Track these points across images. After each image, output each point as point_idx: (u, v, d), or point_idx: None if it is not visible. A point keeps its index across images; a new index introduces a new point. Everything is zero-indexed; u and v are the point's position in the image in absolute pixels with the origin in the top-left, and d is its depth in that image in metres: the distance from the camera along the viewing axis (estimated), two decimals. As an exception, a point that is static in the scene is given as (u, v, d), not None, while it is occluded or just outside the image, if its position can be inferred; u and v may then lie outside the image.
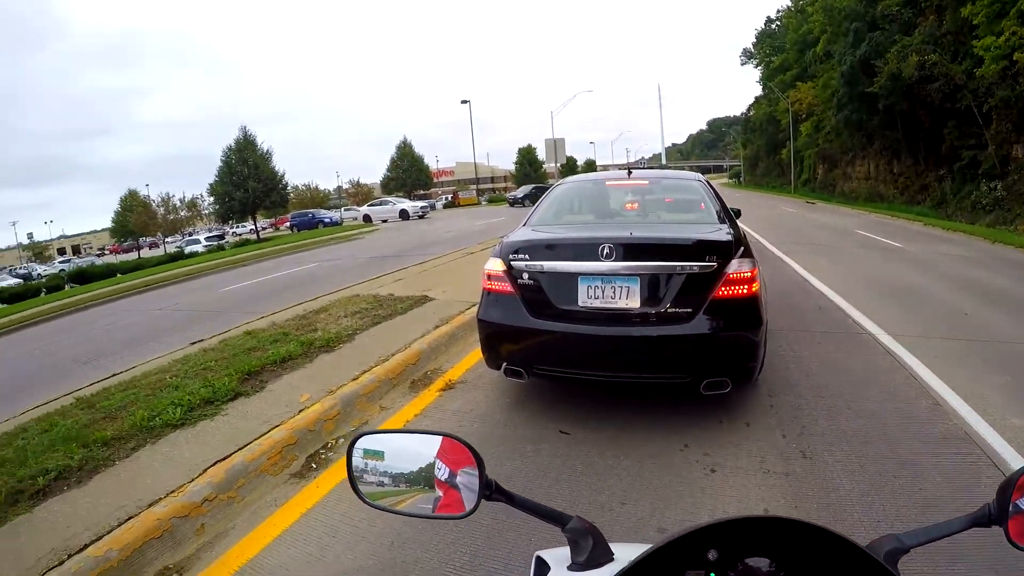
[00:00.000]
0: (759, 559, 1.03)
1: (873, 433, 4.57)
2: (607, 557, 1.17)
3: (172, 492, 3.88)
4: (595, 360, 4.70)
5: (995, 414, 4.85)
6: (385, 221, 45.31)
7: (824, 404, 5.14)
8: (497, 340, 5.08)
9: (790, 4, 66.57)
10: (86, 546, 3.39)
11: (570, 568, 1.18)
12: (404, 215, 45.75)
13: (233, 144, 46.82)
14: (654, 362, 4.59)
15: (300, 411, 5.10)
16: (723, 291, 4.45)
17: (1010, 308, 9.05)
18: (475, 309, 5.33)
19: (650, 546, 1.01)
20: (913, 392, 5.42)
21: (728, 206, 5.79)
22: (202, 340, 8.15)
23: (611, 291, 4.56)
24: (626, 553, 1.13)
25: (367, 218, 47.91)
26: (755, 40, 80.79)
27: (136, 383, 6.23)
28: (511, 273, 4.88)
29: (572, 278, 4.66)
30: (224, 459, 4.29)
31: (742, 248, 4.71)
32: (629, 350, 4.58)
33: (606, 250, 4.53)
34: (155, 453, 4.52)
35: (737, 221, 5.61)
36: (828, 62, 45.80)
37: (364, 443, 1.36)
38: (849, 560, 0.98)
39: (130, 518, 3.63)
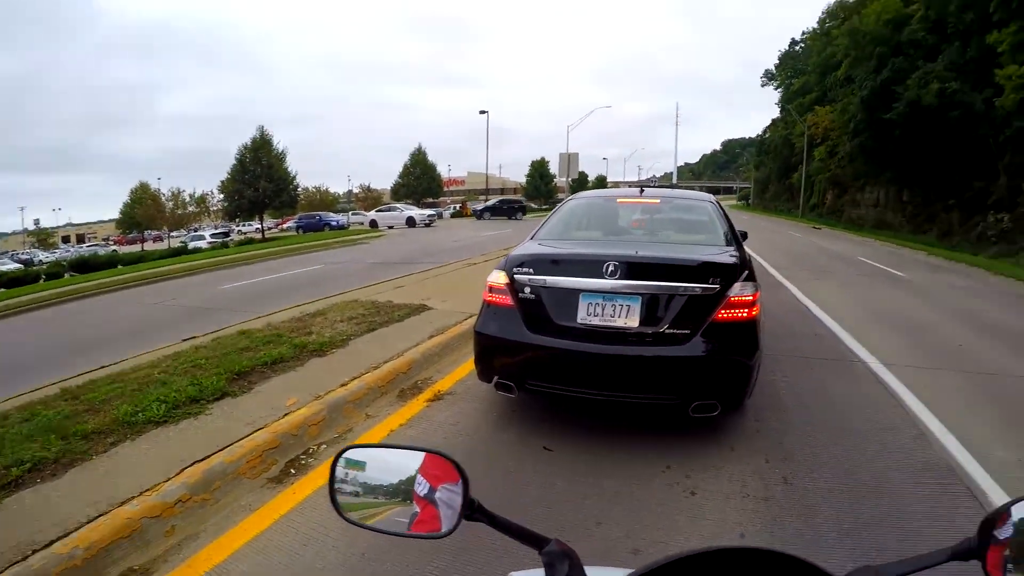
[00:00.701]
0: None
1: (856, 461, 4.56)
2: None
3: (146, 491, 3.82)
4: (587, 378, 4.66)
5: (980, 446, 4.86)
6: (391, 227, 45.37)
7: (810, 431, 5.12)
8: (492, 353, 5.05)
9: (816, 26, 67.40)
10: (52, 542, 3.33)
11: None
12: (411, 222, 45.74)
13: (249, 143, 46.95)
14: (646, 382, 4.57)
15: (285, 415, 5.06)
16: (723, 314, 4.46)
17: (1004, 341, 9.11)
18: (471, 320, 5.32)
19: (627, 573, 1.01)
20: (900, 421, 5.43)
21: (736, 228, 5.78)
22: (195, 337, 8.12)
23: (611, 309, 4.54)
24: None
25: (373, 223, 48.09)
26: (778, 62, 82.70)
27: (124, 376, 6.20)
28: (513, 287, 4.88)
29: (574, 294, 4.65)
30: (203, 460, 4.24)
31: (746, 272, 4.72)
32: (622, 369, 4.55)
33: (610, 268, 4.53)
34: (134, 449, 4.47)
35: (743, 244, 5.60)
36: (849, 87, 46.04)
37: (353, 457, 1.34)
38: None
39: (100, 516, 3.56)
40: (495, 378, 4.97)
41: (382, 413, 5.60)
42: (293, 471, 4.49)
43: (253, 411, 5.16)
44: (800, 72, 71.75)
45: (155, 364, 6.63)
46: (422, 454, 1.28)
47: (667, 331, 4.46)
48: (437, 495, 1.24)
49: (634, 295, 4.51)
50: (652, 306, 4.51)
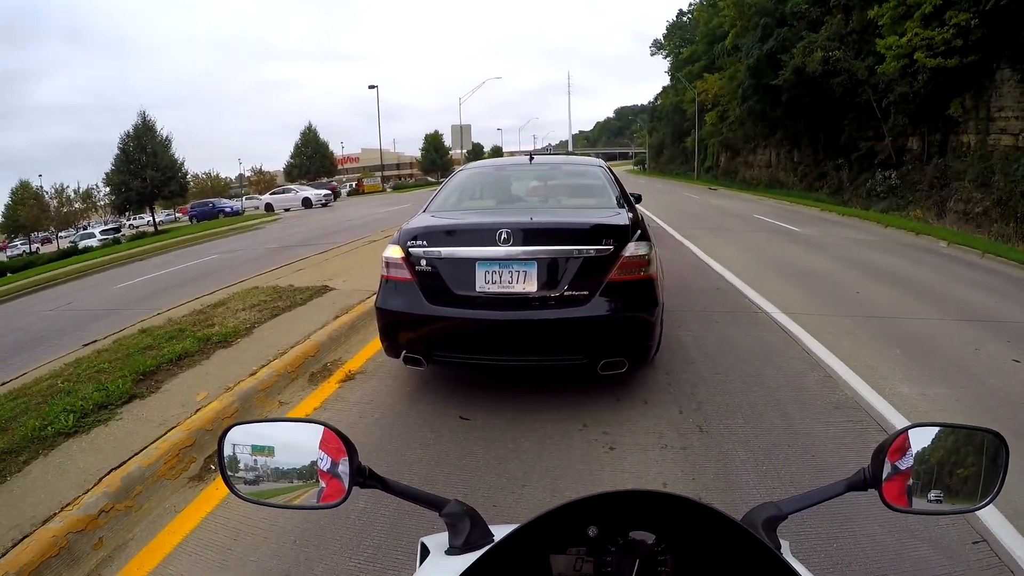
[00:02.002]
0: (644, 533, 1.06)
1: (767, 405, 4.78)
2: (487, 539, 1.18)
3: (67, 506, 3.69)
4: (493, 345, 4.75)
5: (884, 384, 5.17)
6: (288, 209, 44.21)
7: (720, 380, 5.33)
8: (396, 328, 5.06)
9: (702, -2, 67.77)
10: (-21, 571, 3.19)
11: (448, 552, 1.19)
12: (307, 203, 44.66)
13: (131, 130, 44.97)
14: (551, 345, 4.66)
15: (197, 411, 4.96)
16: (619, 274, 4.56)
17: (899, 287, 9.57)
18: (375, 298, 5.28)
19: (520, 524, 1.03)
20: (806, 366, 5.69)
21: (628, 191, 5.95)
22: (95, 341, 7.81)
23: (508, 276, 4.60)
24: (505, 534, 1.14)
25: (269, 207, 46.69)
26: (666, 31, 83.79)
27: (27, 390, 5.91)
28: (409, 260, 4.86)
29: (470, 264, 4.68)
30: (119, 466, 4.11)
31: (639, 231, 4.82)
32: (526, 334, 4.64)
33: (503, 235, 4.57)
34: (48, 465, 4.29)
35: (636, 206, 5.74)
36: (736, 55, 46.91)
37: (239, 436, 1.33)
38: (727, 530, 1.02)
39: (24, 537, 3.42)
40: (402, 353, 4.98)
41: (295, 399, 5.54)
42: (212, 467, 4.39)
43: (164, 411, 5.02)
44: (688, 42, 72.70)
45: (58, 374, 6.36)
46: (319, 428, 1.29)
47: (566, 293, 4.55)
48: (339, 468, 1.27)
49: (529, 260, 4.58)
50: (549, 270, 4.59)
